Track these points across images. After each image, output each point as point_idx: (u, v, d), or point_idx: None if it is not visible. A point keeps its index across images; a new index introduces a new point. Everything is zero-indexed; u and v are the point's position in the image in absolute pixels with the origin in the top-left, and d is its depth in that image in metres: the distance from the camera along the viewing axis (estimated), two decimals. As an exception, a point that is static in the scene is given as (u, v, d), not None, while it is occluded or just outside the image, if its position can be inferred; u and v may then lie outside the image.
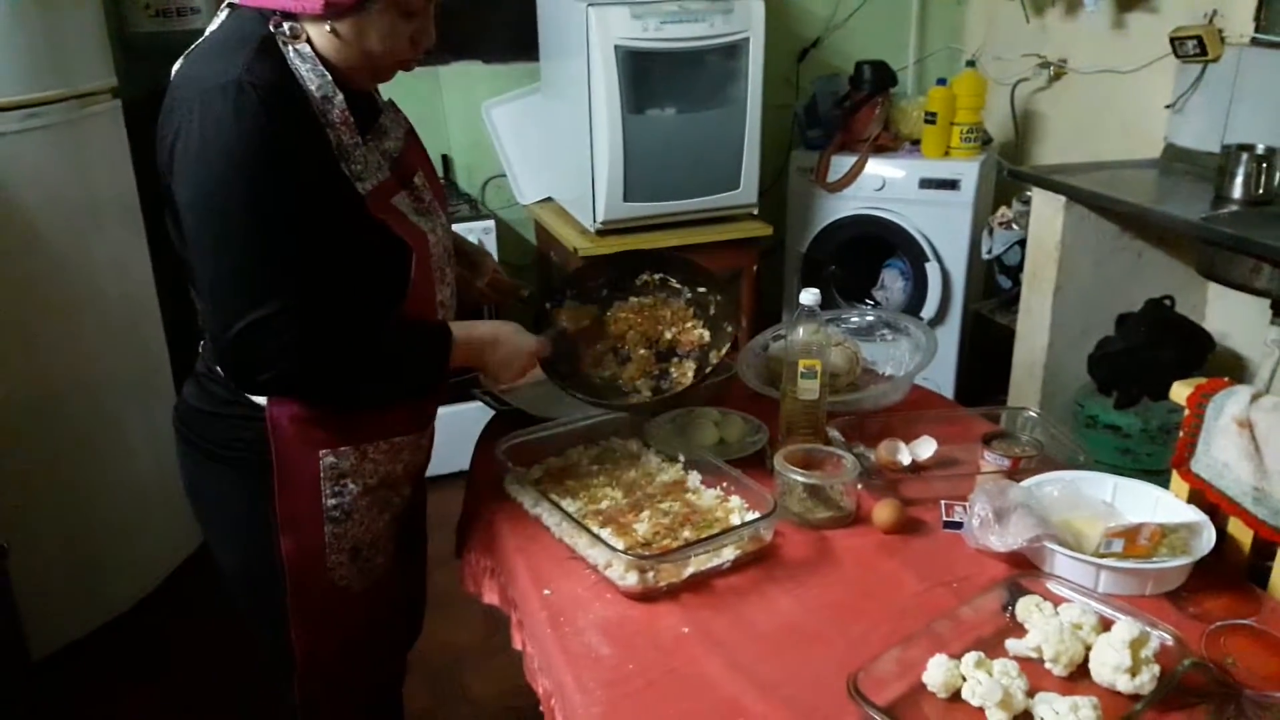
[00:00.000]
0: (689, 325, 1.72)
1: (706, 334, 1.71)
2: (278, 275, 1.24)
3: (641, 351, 1.69)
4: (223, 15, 1.35)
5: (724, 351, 1.68)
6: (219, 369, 1.36)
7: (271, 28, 1.27)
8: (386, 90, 1.48)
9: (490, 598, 1.53)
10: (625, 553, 1.32)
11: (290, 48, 1.27)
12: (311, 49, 1.28)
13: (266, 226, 1.23)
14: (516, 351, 1.51)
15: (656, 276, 1.77)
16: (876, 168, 3.36)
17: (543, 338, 1.58)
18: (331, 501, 1.41)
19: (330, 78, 1.29)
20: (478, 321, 1.51)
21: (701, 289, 1.75)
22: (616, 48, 2.77)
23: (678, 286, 1.77)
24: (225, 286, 1.24)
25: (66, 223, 2.29)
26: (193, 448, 1.44)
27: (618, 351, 1.71)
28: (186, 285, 1.39)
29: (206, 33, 1.35)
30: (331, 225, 1.28)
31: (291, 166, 1.24)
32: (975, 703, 1.09)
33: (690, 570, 1.34)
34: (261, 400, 1.35)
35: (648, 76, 2.86)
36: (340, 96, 1.29)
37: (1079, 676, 1.15)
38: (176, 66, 1.33)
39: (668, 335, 1.71)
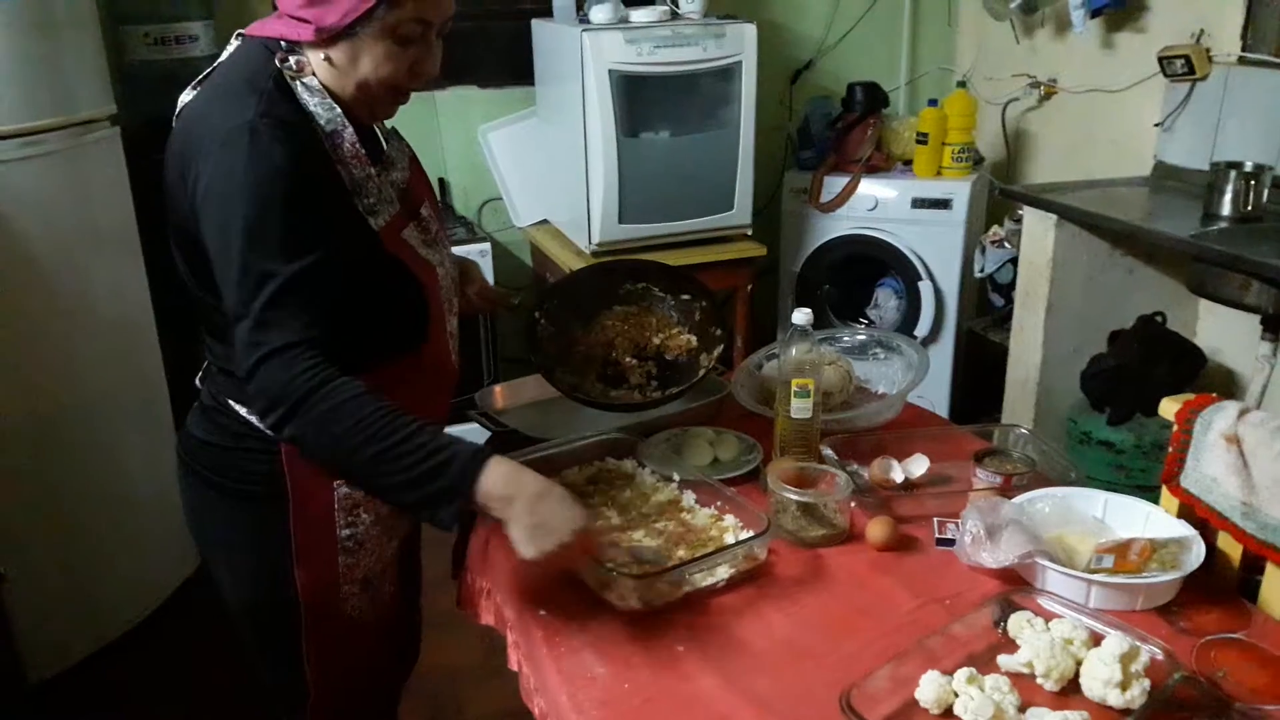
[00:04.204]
0: (674, 331, 1.76)
1: (693, 339, 1.77)
2: (294, 307, 1.20)
3: (629, 359, 1.73)
4: (233, 45, 1.36)
5: (715, 355, 1.71)
6: (238, 405, 1.35)
7: (278, 62, 1.27)
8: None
9: (486, 618, 1.54)
10: (620, 572, 1.32)
11: (298, 82, 1.28)
12: (318, 81, 1.29)
13: (282, 257, 1.20)
14: (563, 519, 1.21)
15: (639, 285, 1.81)
16: (869, 188, 3.39)
17: (591, 517, 1.29)
18: (345, 532, 1.40)
19: (339, 110, 1.29)
20: (527, 469, 1.24)
21: (685, 296, 1.80)
22: (611, 72, 2.80)
23: (660, 295, 1.81)
24: (243, 321, 1.21)
25: (65, 249, 2.31)
26: (200, 481, 1.43)
27: (607, 359, 1.75)
28: (190, 317, 1.39)
29: (217, 62, 1.36)
30: (348, 263, 1.28)
31: (310, 201, 1.23)
32: (967, 718, 1.10)
33: (685, 589, 1.35)
34: None
35: (642, 100, 2.89)
36: (350, 129, 1.29)
37: (1070, 691, 1.16)
38: (186, 99, 1.33)
39: (655, 341, 1.75)
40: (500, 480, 1.20)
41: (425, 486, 1.19)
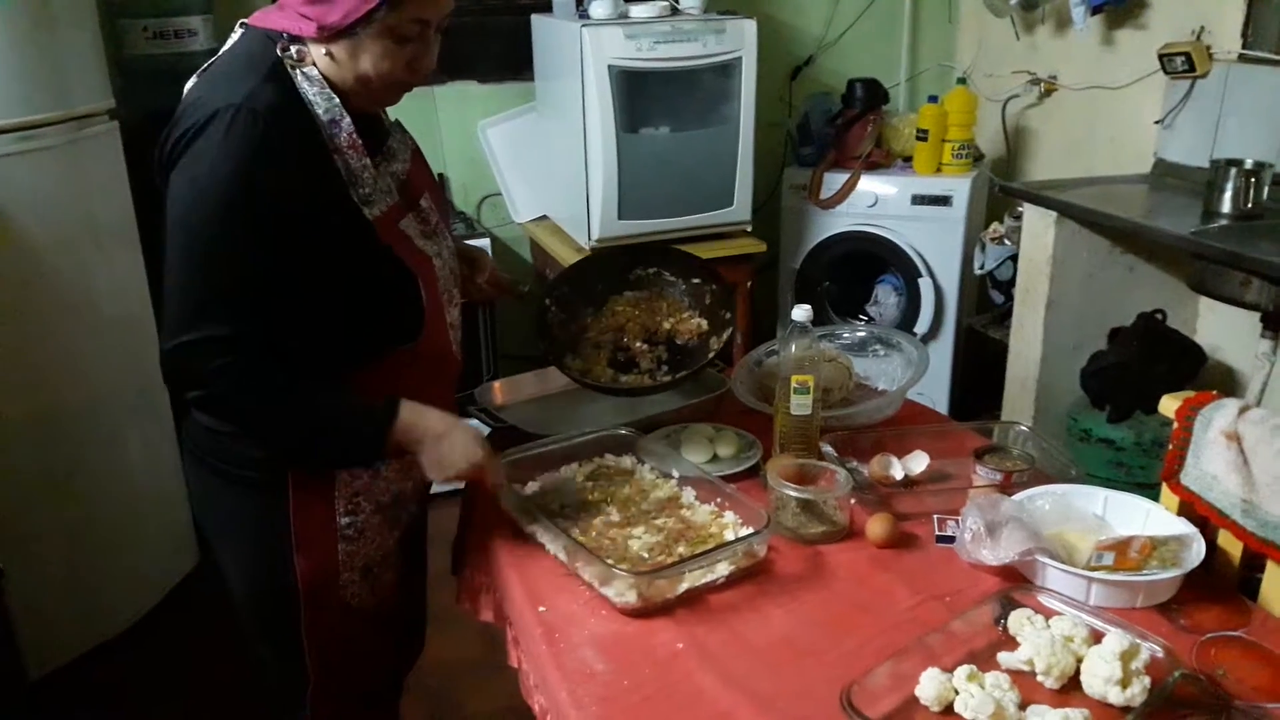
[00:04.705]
0: (685, 315, 1.76)
1: (704, 323, 1.76)
2: (223, 304, 1.25)
3: (639, 345, 1.74)
4: (236, 35, 1.37)
5: (725, 337, 1.71)
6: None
7: (279, 51, 1.30)
8: (389, 111, 1.50)
9: (486, 615, 1.54)
10: (619, 569, 1.32)
11: (298, 71, 1.30)
12: (318, 71, 1.31)
13: (226, 254, 1.24)
14: (461, 454, 1.38)
15: (651, 270, 1.82)
16: (869, 184, 3.38)
17: (495, 462, 1.45)
18: (345, 520, 1.42)
19: (337, 100, 1.31)
20: (432, 410, 1.39)
21: (696, 280, 1.79)
22: (610, 67, 2.79)
23: (672, 279, 1.81)
24: (174, 302, 1.26)
25: (64, 244, 2.30)
26: (204, 468, 1.44)
27: (618, 344, 1.76)
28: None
29: (221, 51, 1.37)
30: (340, 253, 1.30)
31: (280, 198, 1.25)
32: (968, 715, 1.10)
33: (684, 586, 1.35)
34: None
35: (641, 96, 2.88)
36: (348, 119, 1.31)
37: (1070, 689, 1.16)
38: (190, 83, 1.35)
39: (665, 325, 1.75)
40: (408, 424, 1.35)
41: (349, 443, 1.36)
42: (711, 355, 1.72)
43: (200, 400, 1.31)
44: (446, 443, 1.37)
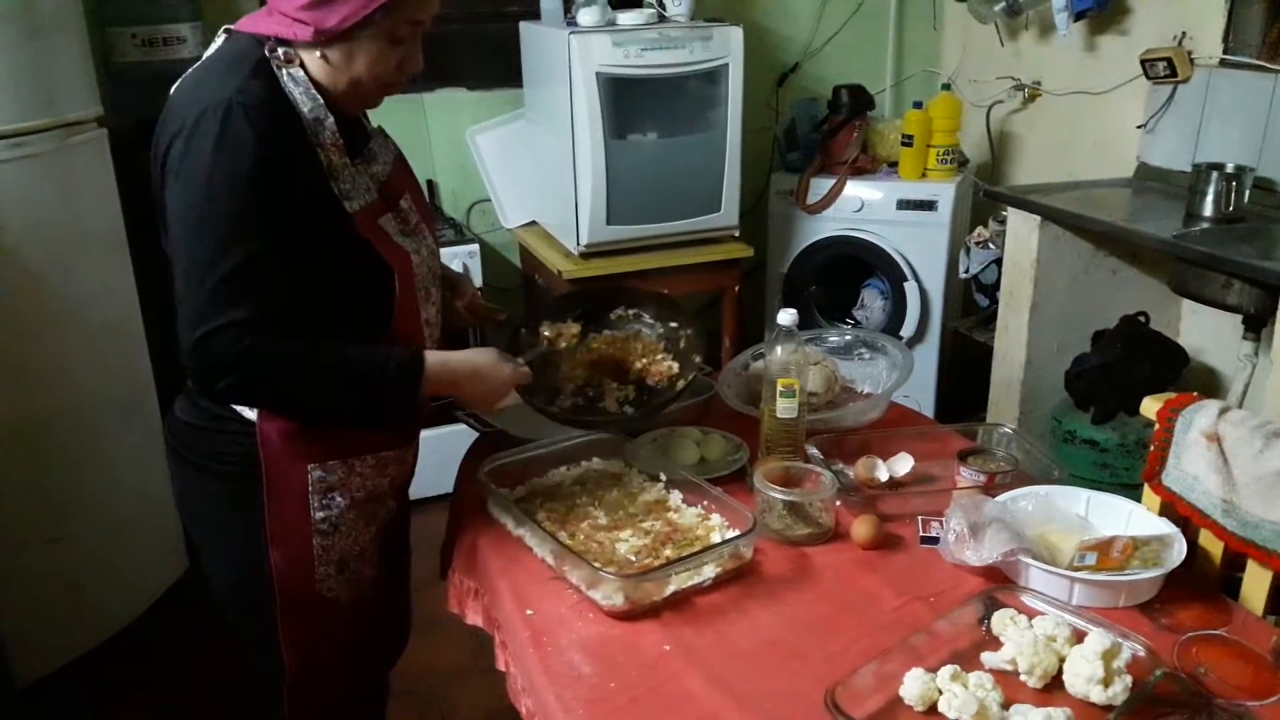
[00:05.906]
0: (658, 358, 1.77)
1: (675, 366, 1.76)
2: (244, 287, 1.26)
3: (610, 383, 1.74)
4: (220, 40, 1.39)
5: (690, 379, 1.72)
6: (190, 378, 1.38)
7: (266, 52, 1.32)
8: (375, 117, 1.52)
9: (474, 619, 1.55)
10: (607, 571, 1.33)
11: (284, 71, 1.32)
12: (304, 73, 1.32)
13: (240, 240, 1.25)
14: (495, 383, 1.48)
15: (631, 312, 1.83)
16: (855, 189, 3.40)
17: (523, 369, 1.53)
18: (320, 514, 1.43)
19: (322, 100, 1.33)
20: (454, 352, 1.47)
21: (673, 324, 1.81)
22: (598, 74, 2.80)
23: (651, 321, 1.83)
24: (191, 297, 1.26)
25: (53, 251, 2.30)
26: (184, 462, 1.46)
27: (589, 379, 1.75)
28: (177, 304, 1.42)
29: (204, 57, 1.39)
30: (319, 242, 1.32)
31: (276, 184, 1.27)
32: (951, 715, 1.11)
33: (671, 588, 1.35)
34: (252, 415, 1.37)
35: (629, 102, 2.89)
36: (331, 119, 1.33)
37: (1053, 688, 1.17)
38: (174, 88, 1.36)
39: (637, 366, 1.75)
40: (438, 367, 1.40)
41: (386, 397, 1.37)
42: (677, 395, 1.71)
43: (233, 386, 1.29)
44: (482, 375, 1.46)
